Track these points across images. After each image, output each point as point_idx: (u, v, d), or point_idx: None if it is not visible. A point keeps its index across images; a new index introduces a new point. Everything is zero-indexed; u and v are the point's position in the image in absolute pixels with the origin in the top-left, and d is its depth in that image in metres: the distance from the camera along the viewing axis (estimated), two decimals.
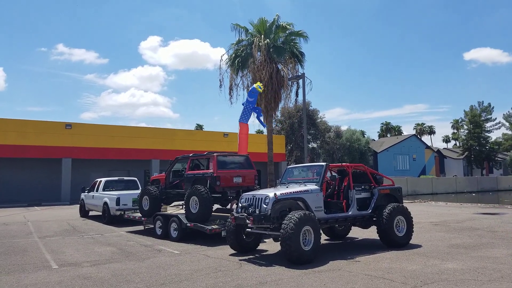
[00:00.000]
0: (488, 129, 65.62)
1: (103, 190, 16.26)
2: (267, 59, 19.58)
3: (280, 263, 7.35)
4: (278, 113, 41.56)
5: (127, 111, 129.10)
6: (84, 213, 17.80)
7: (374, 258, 7.61)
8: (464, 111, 67.46)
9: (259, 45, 19.57)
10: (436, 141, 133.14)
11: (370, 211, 8.86)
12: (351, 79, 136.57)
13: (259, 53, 19.99)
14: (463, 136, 67.37)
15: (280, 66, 20.58)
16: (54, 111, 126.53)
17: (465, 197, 31.53)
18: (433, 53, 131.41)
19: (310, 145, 45.23)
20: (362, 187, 9.09)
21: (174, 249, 9.35)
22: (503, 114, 77.97)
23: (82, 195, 18.03)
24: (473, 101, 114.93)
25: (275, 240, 7.95)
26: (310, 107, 44.53)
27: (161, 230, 11.27)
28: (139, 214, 12.59)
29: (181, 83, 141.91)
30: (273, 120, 25.62)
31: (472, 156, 62.39)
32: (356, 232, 10.72)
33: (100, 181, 16.91)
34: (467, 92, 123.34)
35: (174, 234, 10.74)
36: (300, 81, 19.76)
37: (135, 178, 17.90)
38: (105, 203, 15.08)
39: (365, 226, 9.38)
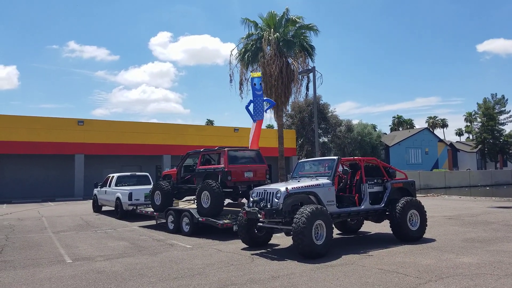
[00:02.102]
0: (502, 121, 64.44)
1: (116, 185, 16.43)
2: (277, 53, 19.44)
3: (292, 257, 7.33)
4: (289, 108, 41.46)
5: (138, 108, 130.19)
6: (97, 208, 18.02)
7: (387, 252, 7.54)
8: (477, 103, 66.47)
9: (269, 39, 19.45)
10: (448, 135, 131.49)
11: (383, 205, 8.76)
12: (361, 73, 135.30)
13: (268, 47, 19.86)
14: (476, 129, 66.30)
15: (290, 60, 20.42)
16: (66, 108, 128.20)
17: (479, 191, 31.09)
18: (445, 45, 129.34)
19: (321, 140, 44.98)
20: (375, 181, 8.99)
21: (186, 243, 9.40)
22: None
23: (95, 191, 18.25)
24: (486, 93, 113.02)
25: (287, 234, 7.92)
26: (321, 101, 44.25)
27: (173, 225, 11.33)
28: (151, 209, 12.70)
29: (192, 79, 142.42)
30: (284, 115, 25.52)
31: (486, 149, 61.37)
32: (369, 227, 10.64)
33: (113, 176, 17.08)
34: (480, 85, 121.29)
35: (186, 228, 10.79)
36: (311, 75, 19.56)
37: (147, 174, 18.04)
38: (118, 198, 15.23)
39: (378, 220, 9.29)
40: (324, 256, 7.22)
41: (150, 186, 15.13)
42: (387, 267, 6.38)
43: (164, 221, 11.90)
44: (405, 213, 8.51)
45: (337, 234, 9.87)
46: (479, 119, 65.85)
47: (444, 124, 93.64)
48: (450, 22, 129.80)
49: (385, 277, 5.78)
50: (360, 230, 10.39)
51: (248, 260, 7.26)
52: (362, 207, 8.51)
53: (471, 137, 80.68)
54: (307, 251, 7.06)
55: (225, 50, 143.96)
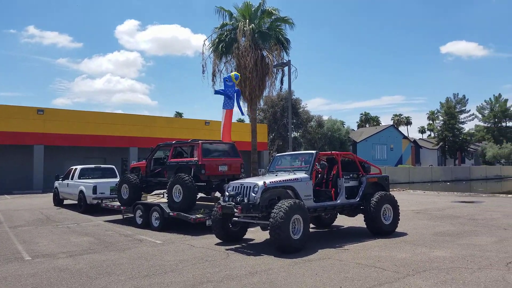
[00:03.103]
0: (462, 120, 67.58)
1: (79, 178, 15.68)
2: (252, 45, 19.14)
3: (268, 252, 7.17)
4: (261, 102, 41.36)
5: (102, 98, 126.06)
6: (58, 201, 17.17)
7: (362, 247, 7.53)
8: (440, 102, 69.27)
9: (244, 30, 19.11)
10: (412, 132, 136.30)
11: (358, 199, 8.77)
12: (331, 70, 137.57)
13: (243, 38, 19.53)
14: (438, 127, 69.10)
15: (265, 53, 20.19)
16: (25, 96, 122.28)
17: (440, 186, 32.31)
18: (411, 46, 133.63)
19: (292, 135, 45.27)
20: (351, 175, 8.98)
21: (156, 238, 9.04)
22: (477, 106, 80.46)
23: (56, 183, 17.36)
24: (448, 93, 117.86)
25: (263, 229, 7.75)
26: (293, 96, 44.45)
27: (141, 220, 10.92)
28: (118, 203, 12.19)
29: (160, 70, 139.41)
30: (257, 108, 25.31)
31: (446, 146, 64.10)
32: (342, 221, 10.67)
33: (76, 168, 16.29)
34: (442, 85, 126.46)
35: (155, 223, 10.41)
36: (286, 68, 19.47)
37: (113, 166, 17.35)
38: (81, 192, 14.55)
39: (352, 214, 9.31)
40: (301, 250, 7.11)
41: (116, 179, 14.58)
42: (364, 261, 6.34)
43: (131, 215, 11.44)
44: (379, 207, 8.56)
45: (311, 228, 9.80)
46: (441, 118, 68.66)
47: (408, 122, 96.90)
48: (416, 23, 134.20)
49: (364, 271, 5.72)
50: (333, 224, 10.40)
51: (223, 256, 7.03)
52: (338, 201, 8.48)
53: (433, 134, 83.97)
54: (284, 246, 6.92)
55: (195, 41, 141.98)
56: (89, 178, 15.69)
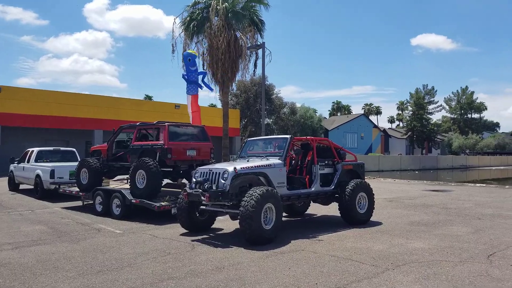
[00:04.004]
0: (430, 111, 69.25)
1: (36, 161, 14.53)
2: (225, 25, 18.24)
3: (237, 243, 6.64)
4: (234, 86, 40.44)
5: (69, 79, 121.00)
6: (13, 186, 15.96)
7: (337, 237, 7.13)
8: (409, 93, 70.53)
9: (217, 8, 18.16)
10: (381, 122, 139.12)
11: (333, 187, 8.36)
12: (304, 59, 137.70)
13: (216, 17, 18.58)
14: (407, 117, 70.58)
15: (238, 34, 19.34)
16: None
17: (409, 175, 32.84)
18: (383, 37, 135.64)
19: (265, 121, 44.80)
20: (326, 162, 8.54)
21: (116, 228, 8.34)
22: (444, 98, 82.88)
23: (11, 167, 16.12)
24: (417, 84, 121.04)
25: (233, 218, 7.21)
26: (267, 82, 43.80)
27: (101, 207, 10.18)
28: (77, 189, 11.33)
29: (130, 51, 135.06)
30: (229, 93, 24.54)
31: (415, 136, 65.62)
32: (315, 209, 10.28)
33: (32, 151, 15.11)
34: (412, 76, 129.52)
35: (116, 211, 9.69)
36: (260, 52, 18.76)
37: (73, 149, 16.24)
38: (38, 176, 13.49)
39: (326, 202, 8.93)
40: (272, 241, 6.63)
41: (77, 163, 13.63)
42: (340, 253, 5.92)
43: (91, 202, 10.63)
44: (354, 196, 8.19)
45: (283, 216, 9.32)
46: (410, 108, 70.09)
47: (378, 112, 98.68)
48: (388, 15, 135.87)
49: (340, 265, 5.29)
50: (306, 212, 10.00)
51: (188, 248, 6.44)
52: (313, 189, 8.03)
53: (401, 124, 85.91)
54: (255, 237, 6.40)
55: (168, 23, 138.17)
56: (47, 162, 14.58)
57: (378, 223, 8.48)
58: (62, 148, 16.44)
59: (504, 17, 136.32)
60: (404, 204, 11.84)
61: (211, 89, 16.08)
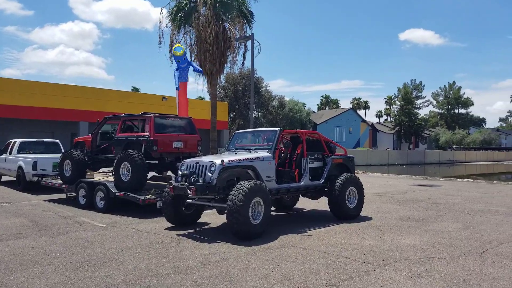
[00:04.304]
0: (418, 106, 69.84)
1: (18, 152, 14.14)
2: (213, 16, 17.86)
3: (224, 238, 6.44)
4: (223, 79, 40.02)
5: (55, 70, 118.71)
6: None
7: (326, 232, 6.98)
8: (398, 88, 71.11)
9: None
10: (369, 116, 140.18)
11: (322, 181, 8.19)
12: (293, 53, 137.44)
13: (204, 8, 18.19)
14: (395, 112, 71.07)
15: (227, 25, 18.96)
16: None
17: (396, 169, 33.03)
18: (371, 32, 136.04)
19: (254, 114, 44.51)
20: (315, 155, 8.36)
21: (99, 221, 8.07)
22: (432, 93, 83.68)
23: None
24: (405, 79, 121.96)
25: (220, 212, 7.00)
26: (256, 75, 43.49)
27: (84, 200, 9.89)
28: (60, 181, 11.01)
29: (118, 43, 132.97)
30: (217, 85, 24.14)
31: (402, 130, 66.15)
32: (303, 203, 10.14)
33: (15, 142, 14.67)
34: (400, 71, 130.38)
35: (100, 204, 9.41)
36: (248, 43, 18.42)
37: (57, 140, 15.83)
38: (20, 167, 13.11)
39: (315, 197, 8.78)
40: (260, 236, 6.44)
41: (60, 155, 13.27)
42: (330, 249, 5.76)
43: (75, 195, 10.32)
44: (344, 190, 8.05)
45: (271, 211, 9.19)
46: (398, 103, 70.56)
47: (366, 106, 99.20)
48: (376, 10, 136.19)
49: (330, 262, 5.13)
50: (295, 206, 9.84)
51: (173, 243, 6.21)
52: (302, 183, 7.85)
53: (389, 119, 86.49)
54: (242, 232, 6.21)
55: (156, 14, 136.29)
56: (29, 153, 14.20)
57: (368, 218, 8.36)
58: (45, 140, 16.01)
59: (491, 14, 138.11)
60: (393, 198, 11.78)
61: (200, 71, 15.57)
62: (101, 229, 7.31)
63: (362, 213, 8.63)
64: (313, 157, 8.29)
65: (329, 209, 8.33)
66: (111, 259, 5.33)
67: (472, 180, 19.06)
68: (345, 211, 8.08)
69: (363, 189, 8.62)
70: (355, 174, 8.86)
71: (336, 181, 8.07)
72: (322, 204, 9.67)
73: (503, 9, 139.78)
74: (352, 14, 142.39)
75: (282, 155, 8.76)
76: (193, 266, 5.00)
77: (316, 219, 8.36)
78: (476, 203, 10.82)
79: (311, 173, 8.08)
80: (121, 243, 6.20)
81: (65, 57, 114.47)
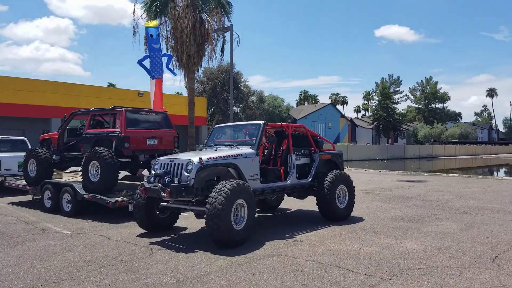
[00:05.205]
0: (396, 100, 70.48)
1: None
2: (190, 6, 16.95)
3: (204, 246, 5.71)
4: (200, 72, 38.90)
5: (29, 67, 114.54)
6: None
7: (317, 237, 6.33)
8: (375, 83, 71.65)
9: None
10: (347, 111, 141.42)
11: (310, 179, 7.54)
12: (271, 49, 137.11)
13: None
14: (373, 107, 71.55)
15: (204, 16, 18.09)
16: None
17: (377, 164, 32.90)
18: (347, 28, 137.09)
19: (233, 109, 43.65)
20: (302, 151, 7.70)
21: (64, 227, 7.23)
22: (409, 88, 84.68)
23: None
24: (382, 75, 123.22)
25: (198, 217, 6.25)
26: (235, 70, 42.60)
27: (50, 202, 9.05)
28: (24, 182, 10.08)
29: (94, 39, 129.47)
30: (195, 80, 23.22)
31: (381, 125, 66.58)
32: (288, 203, 9.48)
33: None
34: (376, 67, 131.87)
35: (67, 207, 8.57)
36: (227, 36, 17.64)
37: (24, 138, 14.71)
38: None
39: (303, 196, 8.12)
40: (244, 243, 5.74)
41: None
42: (324, 258, 5.11)
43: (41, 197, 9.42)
44: (334, 188, 7.42)
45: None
46: (376, 98, 71.03)
47: (344, 101, 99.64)
48: (352, 6, 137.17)
49: (327, 275, 4.47)
50: (279, 206, 9.18)
51: (145, 254, 5.44)
52: (289, 182, 7.17)
53: (368, 114, 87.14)
54: (224, 239, 5.49)
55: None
56: None
57: (359, 219, 7.76)
58: (11, 137, 14.86)
59: (465, 10, 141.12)
60: (382, 196, 11.28)
61: (174, 74, 14.68)
62: (65, 237, 6.47)
63: (353, 213, 8.03)
64: (299, 153, 7.63)
65: (317, 209, 7.69)
66: (70, 275, 4.53)
67: (457, 175, 18.88)
68: (335, 212, 7.46)
69: (354, 187, 8.01)
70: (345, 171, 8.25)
71: (325, 179, 7.43)
72: (308, 203, 9.05)
73: (477, 5, 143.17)
74: (328, 11, 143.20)
75: (266, 151, 8.07)
76: (167, 283, 4.25)
77: (303, 221, 7.72)
78: (469, 199, 10.41)
79: (297, 171, 7.42)
80: (85, 255, 5.40)
81: (40, 53, 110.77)
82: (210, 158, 5.99)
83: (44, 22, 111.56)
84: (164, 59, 12.65)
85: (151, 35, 12.06)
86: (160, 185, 5.83)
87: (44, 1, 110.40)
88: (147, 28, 12.43)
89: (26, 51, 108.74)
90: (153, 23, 12.61)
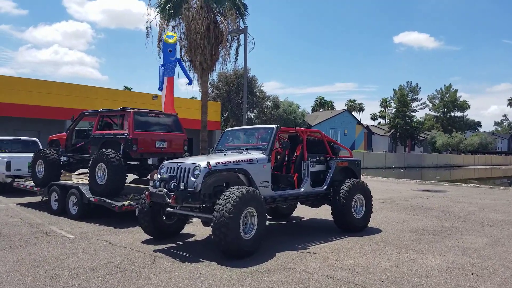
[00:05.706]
0: (414, 108, 69.18)
1: None
2: (204, 7, 16.77)
3: (210, 256, 5.37)
4: (215, 77, 38.80)
5: (48, 70, 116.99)
6: None
7: (332, 249, 5.92)
8: (393, 90, 70.39)
9: None
10: (364, 119, 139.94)
11: (325, 187, 7.13)
12: (286, 55, 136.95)
13: None
14: (390, 114, 70.33)
15: (219, 18, 17.88)
16: None
17: (394, 173, 32.14)
18: (365, 35, 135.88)
19: (247, 114, 43.36)
20: (317, 158, 7.30)
21: (68, 231, 7.00)
22: (428, 96, 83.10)
23: None
24: (399, 82, 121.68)
25: (205, 224, 5.92)
26: (249, 74, 42.37)
27: (57, 204, 8.88)
28: (32, 183, 9.93)
29: (112, 43, 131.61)
30: (209, 83, 23.02)
31: (398, 133, 65.37)
32: (302, 211, 9.08)
33: None
34: (394, 74, 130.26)
35: (73, 210, 8.38)
36: (242, 39, 17.34)
37: (36, 139, 14.76)
38: None
39: (317, 205, 7.71)
40: (253, 253, 5.37)
41: None
42: (339, 273, 4.70)
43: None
44: (350, 198, 6.99)
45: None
46: (393, 105, 69.83)
47: (361, 108, 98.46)
48: (371, 13, 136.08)
49: None
50: (292, 215, 8.78)
51: (148, 262, 5.12)
52: (302, 189, 6.77)
53: (384, 121, 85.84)
54: (231, 249, 5.14)
55: (150, 15, 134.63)
56: (5, 152, 13.10)
57: (377, 230, 7.31)
58: (22, 138, 14.90)
59: (486, 17, 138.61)
60: (400, 206, 10.76)
61: (190, 81, 14.40)
62: (67, 242, 6.22)
63: (369, 224, 7.58)
64: (314, 159, 7.23)
65: (331, 218, 7.28)
66: (65, 285, 4.24)
67: (478, 185, 18.10)
68: (351, 222, 7.03)
69: (371, 196, 7.57)
70: (363, 180, 7.81)
71: (341, 188, 7.02)
72: (322, 212, 8.63)
73: (498, 12, 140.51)
74: (346, 17, 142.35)
75: (279, 157, 7.69)
76: None
77: (317, 231, 7.30)
78: (493, 212, 9.81)
79: (312, 178, 7.02)
80: (85, 261, 5.12)
81: (58, 56, 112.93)
82: (219, 163, 5.65)
83: (63, 26, 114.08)
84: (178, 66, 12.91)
85: (170, 50, 12.20)
86: (166, 190, 5.52)
87: (63, 5, 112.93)
88: (165, 43, 12.62)
89: (45, 54, 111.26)
90: (173, 39, 12.67)
